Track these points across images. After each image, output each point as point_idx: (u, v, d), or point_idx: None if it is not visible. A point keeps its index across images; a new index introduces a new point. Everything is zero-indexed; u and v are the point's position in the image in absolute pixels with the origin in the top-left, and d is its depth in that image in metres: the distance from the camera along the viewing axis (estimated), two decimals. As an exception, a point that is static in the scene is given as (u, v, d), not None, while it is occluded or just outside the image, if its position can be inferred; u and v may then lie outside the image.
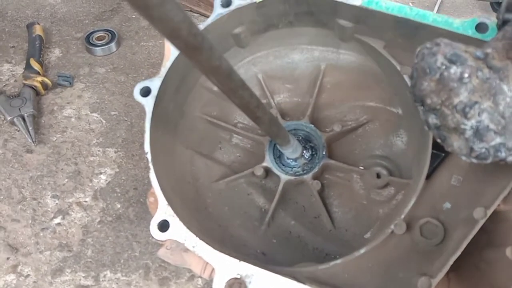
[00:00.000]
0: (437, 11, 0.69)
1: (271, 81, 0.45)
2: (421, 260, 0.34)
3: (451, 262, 0.32)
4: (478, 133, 0.25)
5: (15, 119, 0.50)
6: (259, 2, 0.38)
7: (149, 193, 0.36)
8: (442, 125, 0.27)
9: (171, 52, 0.39)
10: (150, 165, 0.36)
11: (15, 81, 0.56)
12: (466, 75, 0.26)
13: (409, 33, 0.37)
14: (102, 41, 0.60)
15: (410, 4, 0.70)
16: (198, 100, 0.44)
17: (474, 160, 0.27)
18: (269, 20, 0.40)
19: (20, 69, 0.58)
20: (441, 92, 0.26)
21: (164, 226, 0.34)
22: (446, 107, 0.26)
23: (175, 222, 0.35)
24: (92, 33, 0.61)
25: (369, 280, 0.34)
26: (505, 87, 0.26)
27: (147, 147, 0.37)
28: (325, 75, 0.44)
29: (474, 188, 0.35)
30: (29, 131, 0.49)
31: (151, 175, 0.36)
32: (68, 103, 0.54)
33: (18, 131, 0.51)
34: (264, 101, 0.46)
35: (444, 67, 0.27)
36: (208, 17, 0.67)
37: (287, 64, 0.45)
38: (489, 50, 0.28)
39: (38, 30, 0.60)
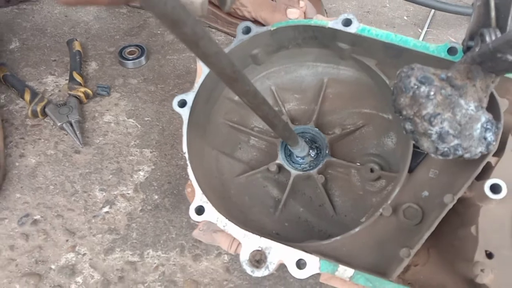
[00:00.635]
0: (429, 24, 0.76)
1: (282, 92, 0.54)
2: (403, 236, 0.42)
3: (426, 236, 0.40)
4: (441, 136, 0.33)
5: (64, 125, 0.59)
6: (273, 29, 0.46)
7: (187, 185, 0.44)
8: (415, 130, 0.35)
9: (202, 71, 0.47)
10: (188, 162, 0.45)
11: (59, 91, 0.65)
12: (432, 93, 0.34)
13: (395, 54, 0.45)
14: (133, 55, 0.69)
15: (405, 17, 0.78)
16: (221, 109, 0.52)
17: (440, 157, 0.35)
18: (281, 43, 0.48)
19: (62, 80, 0.67)
20: (413, 106, 0.34)
21: (200, 210, 0.43)
22: (417, 117, 0.34)
23: (208, 207, 0.44)
24: (124, 48, 0.70)
25: (362, 252, 0.42)
26: (462, 102, 0.34)
27: (184, 148, 0.46)
28: (328, 87, 0.53)
29: (446, 179, 0.43)
30: (76, 135, 0.58)
31: (188, 170, 0.44)
32: (107, 110, 0.62)
33: (66, 135, 0.59)
34: (276, 108, 0.54)
35: (416, 86, 0.35)
36: (224, 32, 0.76)
37: (296, 78, 0.53)
38: (451, 73, 0.36)
39: (77, 46, 0.69)
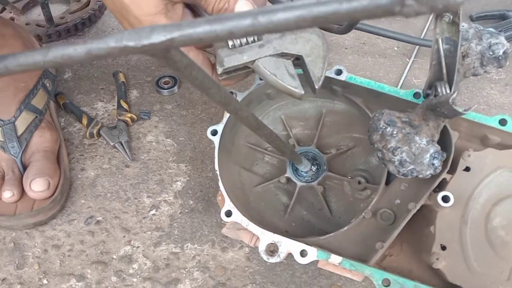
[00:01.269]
0: (416, 55, 0.90)
1: (290, 120, 0.67)
2: (380, 233, 0.55)
3: (395, 234, 0.52)
4: (401, 163, 0.47)
5: (116, 144, 0.73)
6: (283, 76, 0.60)
7: (218, 194, 0.58)
8: (383, 158, 0.48)
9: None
10: (219, 177, 0.59)
11: (108, 115, 0.80)
12: (395, 132, 0.47)
13: (375, 96, 0.58)
14: (168, 85, 0.83)
15: (395, 48, 0.92)
16: (242, 134, 0.66)
17: (402, 177, 0.49)
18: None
19: (110, 106, 0.82)
20: (382, 141, 0.48)
21: (229, 213, 0.56)
22: (384, 149, 0.47)
23: (235, 211, 0.57)
24: (159, 78, 0.84)
25: (350, 245, 0.55)
26: (417, 138, 0.47)
27: (216, 167, 0.59)
28: (325, 116, 0.66)
29: (413, 191, 0.56)
30: (126, 152, 0.72)
31: (219, 184, 0.58)
32: (148, 131, 0.77)
33: (118, 152, 0.73)
34: (285, 133, 0.68)
35: (384, 127, 0.48)
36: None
37: (300, 109, 0.67)
38: (411, 116, 0.49)
39: (121, 77, 0.84)
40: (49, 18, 0.94)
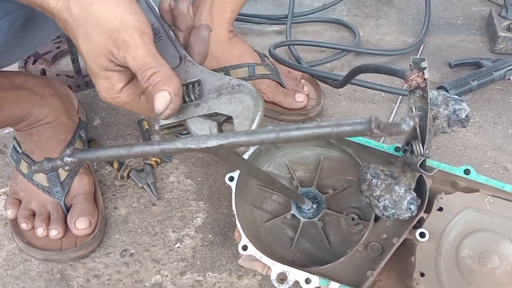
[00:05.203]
0: (401, 100, 1.02)
1: (293, 164, 0.79)
2: (371, 263, 0.65)
3: (382, 264, 0.62)
4: (384, 208, 0.58)
5: (144, 186, 0.85)
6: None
7: (235, 231, 0.69)
8: (370, 203, 0.60)
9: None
10: (236, 217, 0.70)
11: (135, 158, 0.92)
12: (379, 183, 0.59)
13: (363, 148, 0.70)
14: (185, 132, 0.95)
15: (383, 95, 1.04)
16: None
17: (386, 218, 0.60)
18: (289, 142, 0.75)
19: (135, 149, 0.94)
20: (369, 190, 0.60)
21: (245, 247, 0.67)
22: (371, 196, 0.59)
23: (250, 246, 0.68)
24: (178, 125, 0.96)
25: (345, 273, 0.66)
26: (397, 188, 0.59)
27: (233, 208, 0.71)
28: (323, 162, 0.78)
29: (397, 227, 0.67)
30: (153, 192, 0.84)
31: (237, 222, 0.69)
32: (171, 173, 0.88)
33: (145, 192, 0.85)
34: (289, 176, 0.80)
35: (370, 179, 0.60)
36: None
37: (302, 156, 0.79)
38: (392, 169, 0.61)
39: (145, 124, 0.96)
40: (78, 70, 1.06)
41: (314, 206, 0.73)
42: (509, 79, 1.04)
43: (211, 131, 0.43)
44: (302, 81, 1.00)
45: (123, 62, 0.41)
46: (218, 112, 0.43)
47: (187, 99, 0.44)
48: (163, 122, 0.45)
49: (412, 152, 0.61)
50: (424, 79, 0.55)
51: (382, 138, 0.92)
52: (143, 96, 0.45)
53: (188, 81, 0.46)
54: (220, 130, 0.43)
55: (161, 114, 0.41)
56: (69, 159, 0.41)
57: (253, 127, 0.41)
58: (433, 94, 0.63)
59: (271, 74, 0.95)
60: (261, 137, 0.36)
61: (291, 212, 0.72)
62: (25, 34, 0.64)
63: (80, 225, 0.74)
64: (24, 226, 0.75)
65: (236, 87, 0.42)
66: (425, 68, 0.54)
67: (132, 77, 0.44)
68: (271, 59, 1.01)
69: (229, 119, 0.44)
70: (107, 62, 0.41)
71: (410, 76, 0.55)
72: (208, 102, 0.43)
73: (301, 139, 0.35)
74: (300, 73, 1.01)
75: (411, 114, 0.33)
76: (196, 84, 0.44)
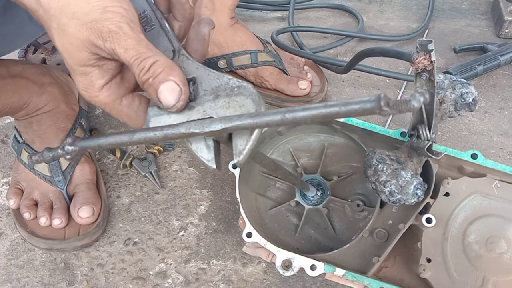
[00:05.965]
0: (405, 86, 1.01)
1: (297, 152, 0.79)
2: (376, 249, 0.65)
3: (388, 250, 0.62)
4: (390, 193, 0.58)
5: (147, 174, 0.85)
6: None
7: (239, 218, 0.69)
8: (376, 189, 0.59)
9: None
10: (240, 204, 0.69)
11: (138, 147, 0.91)
12: (385, 168, 0.58)
13: (368, 133, 0.69)
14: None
15: (387, 81, 1.03)
16: (257, 164, 0.77)
17: (392, 204, 0.60)
18: (296, 125, 0.74)
19: (137, 138, 0.93)
20: (374, 175, 0.59)
21: (249, 235, 0.67)
22: (377, 182, 0.58)
23: (254, 233, 0.67)
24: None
25: (351, 259, 0.65)
26: (403, 173, 0.58)
27: (237, 195, 0.70)
28: (327, 149, 0.77)
29: (402, 213, 0.66)
30: (156, 181, 0.84)
31: (241, 209, 0.69)
32: (173, 161, 0.88)
33: (148, 180, 0.84)
34: (293, 163, 0.79)
35: (376, 164, 0.59)
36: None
37: (306, 143, 0.78)
38: (398, 154, 0.60)
39: (147, 113, 0.95)
40: (78, 59, 1.05)
41: (319, 193, 0.71)
42: (515, 63, 1.02)
43: (205, 140, 0.40)
44: (306, 67, 0.98)
45: (111, 54, 0.36)
46: (215, 117, 0.38)
47: None
48: (152, 125, 0.39)
49: (418, 136, 0.60)
50: (431, 62, 0.53)
51: (387, 123, 0.91)
52: (125, 99, 0.41)
53: None
54: (217, 148, 0.40)
55: (173, 107, 0.37)
56: (70, 148, 0.40)
57: (252, 139, 0.37)
58: (439, 77, 0.62)
59: (274, 61, 0.93)
60: (267, 119, 0.35)
61: (296, 199, 0.71)
62: (9, 19, 0.62)
63: (83, 213, 0.74)
64: (27, 215, 0.75)
65: (236, 89, 0.37)
66: (432, 50, 0.53)
67: (114, 75, 0.40)
68: (273, 45, 1.00)
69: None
70: (88, 55, 0.37)
71: (417, 59, 0.53)
72: (204, 105, 0.38)
73: (308, 120, 0.34)
74: (303, 59, 1.00)
75: (420, 91, 0.32)
76: (191, 83, 0.39)
